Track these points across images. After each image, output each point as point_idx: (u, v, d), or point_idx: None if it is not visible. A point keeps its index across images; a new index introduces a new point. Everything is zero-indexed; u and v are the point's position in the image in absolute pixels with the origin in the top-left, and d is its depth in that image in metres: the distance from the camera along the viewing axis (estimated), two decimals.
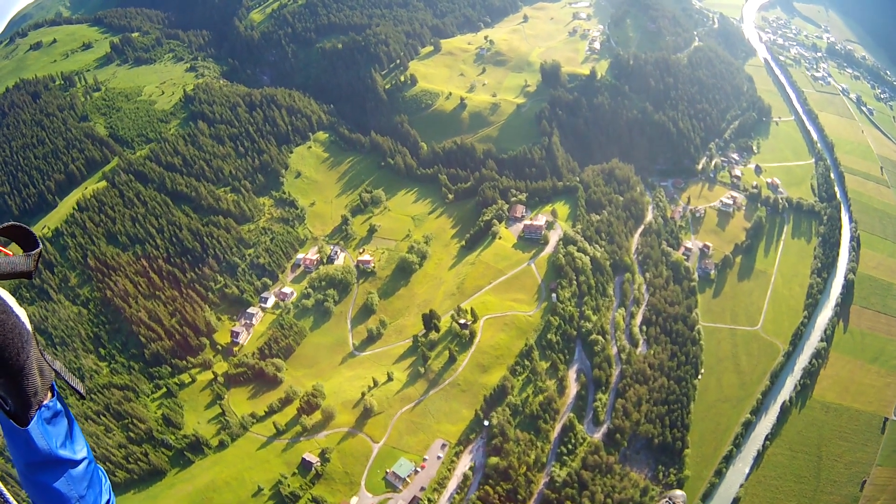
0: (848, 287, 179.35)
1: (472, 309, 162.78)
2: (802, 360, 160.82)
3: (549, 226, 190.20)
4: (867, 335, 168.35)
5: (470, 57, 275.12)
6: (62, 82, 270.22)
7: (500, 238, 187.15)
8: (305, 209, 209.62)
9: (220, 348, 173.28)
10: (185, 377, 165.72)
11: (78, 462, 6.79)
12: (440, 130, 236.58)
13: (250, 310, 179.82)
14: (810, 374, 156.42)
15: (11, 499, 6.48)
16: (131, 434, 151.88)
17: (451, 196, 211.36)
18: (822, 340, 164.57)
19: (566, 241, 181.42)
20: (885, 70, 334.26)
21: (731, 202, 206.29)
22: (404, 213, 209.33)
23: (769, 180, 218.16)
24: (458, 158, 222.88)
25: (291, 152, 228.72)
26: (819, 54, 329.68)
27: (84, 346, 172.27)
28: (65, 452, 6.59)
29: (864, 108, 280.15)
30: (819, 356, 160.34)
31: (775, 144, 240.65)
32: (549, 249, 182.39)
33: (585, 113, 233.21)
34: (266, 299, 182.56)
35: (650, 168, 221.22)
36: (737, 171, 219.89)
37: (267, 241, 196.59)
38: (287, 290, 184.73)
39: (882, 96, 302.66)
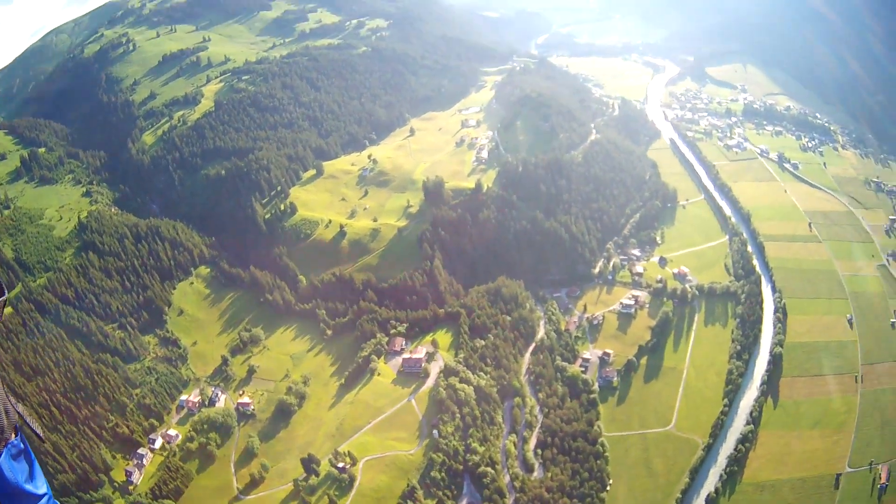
0: (775, 361, 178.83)
1: (349, 452, 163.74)
2: (727, 449, 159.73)
3: (430, 357, 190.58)
4: (803, 403, 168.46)
5: (352, 179, 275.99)
6: None
7: (378, 374, 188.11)
8: (188, 349, 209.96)
9: (117, 486, 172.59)
10: None
11: (40, 497, 8.24)
12: (320, 261, 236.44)
13: (140, 450, 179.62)
14: (737, 461, 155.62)
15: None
16: None
17: (329, 332, 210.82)
18: (748, 423, 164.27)
19: (447, 372, 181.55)
20: (815, 113, 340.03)
21: (632, 302, 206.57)
22: (283, 351, 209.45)
23: (676, 270, 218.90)
24: (337, 291, 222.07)
25: (174, 288, 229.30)
26: (734, 119, 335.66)
27: None
28: (30, 487, 7.87)
29: (786, 165, 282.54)
30: (746, 440, 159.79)
31: (682, 230, 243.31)
32: (429, 383, 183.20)
33: (470, 230, 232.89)
34: (154, 440, 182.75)
35: (542, 280, 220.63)
36: (638, 268, 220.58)
37: (152, 382, 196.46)
38: (172, 432, 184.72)
39: (809, 145, 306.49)
